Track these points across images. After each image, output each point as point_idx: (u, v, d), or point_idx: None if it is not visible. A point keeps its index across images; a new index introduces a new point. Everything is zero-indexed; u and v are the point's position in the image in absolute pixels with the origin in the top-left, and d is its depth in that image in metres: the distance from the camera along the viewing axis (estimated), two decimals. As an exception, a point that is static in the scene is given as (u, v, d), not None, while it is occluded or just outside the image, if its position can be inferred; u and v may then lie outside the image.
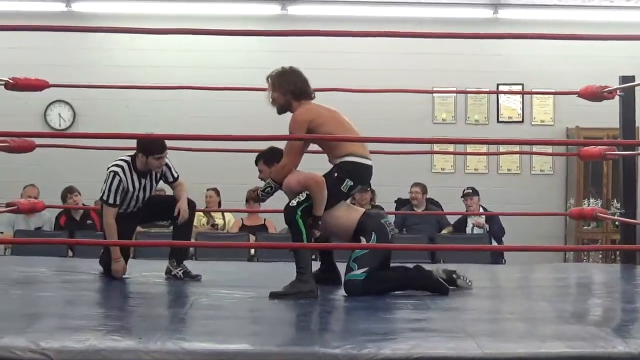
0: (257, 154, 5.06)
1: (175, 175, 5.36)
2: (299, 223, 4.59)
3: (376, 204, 8.74)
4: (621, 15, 9.94)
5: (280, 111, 4.92)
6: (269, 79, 4.90)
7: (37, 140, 5.74)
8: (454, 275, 4.85)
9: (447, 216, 8.93)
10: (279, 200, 4.99)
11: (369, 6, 9.96)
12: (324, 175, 4.71)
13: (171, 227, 5.58)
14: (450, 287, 4.75)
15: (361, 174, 4.81)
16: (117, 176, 5.12)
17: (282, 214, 4.75)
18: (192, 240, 6.88)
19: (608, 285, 5.56)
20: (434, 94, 10.02)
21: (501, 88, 10.08)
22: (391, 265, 4.91)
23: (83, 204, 8.62)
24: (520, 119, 10.25)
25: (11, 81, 5.27)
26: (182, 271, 5.24)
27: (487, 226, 8.65)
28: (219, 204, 9.14)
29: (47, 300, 4.52)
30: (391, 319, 4.07)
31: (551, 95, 10.02)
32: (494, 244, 8.40)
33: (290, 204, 4.64)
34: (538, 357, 3.19)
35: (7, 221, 8.49)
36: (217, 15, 9.77)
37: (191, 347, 3.22)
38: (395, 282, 4.74)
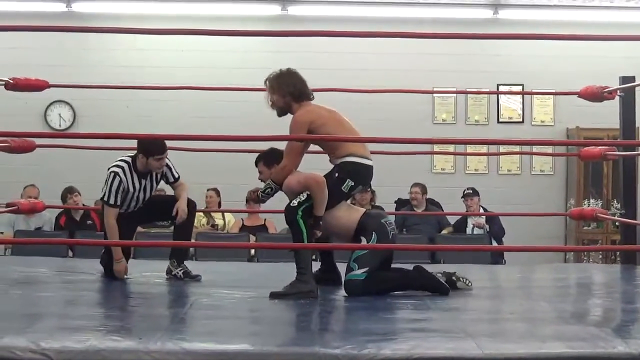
0: (257, 154, 5.06)
1: (176, 175, 5.36)
2: (299, 223, 4.59)
3: (376, 204, 8.74)
4: (621, 15, 9.94)
5: (281, 114, 4.92)
6: (267, 82, 4.89)
7: (37, 141, 5.74)
8: (454, 277, 4.85)
9: (447, 216, 8.93)
10: (279, 200, 5.00)
11: (369, 7, 9.97)
12: (324, 176, 4.70)
13: (171, 228, 5.58)
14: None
15: (362, 174, 4.81)
16: (118, 177, 5.13)
17: (282, 214, 4.75)
18: (192, 241, 6.88)
19: (608, 285, 5.56)
20: (434, 94, 10.02)
21: (501, 88, 10.08)
22: (391, 265, 4.91)
23: (83, 204, 8.62)
24: (521, 120, 10.26)
25: (11, 81, 5.27)
26: (182, 271, 5.24)
27: (487, 226, 8.65)
28: (219, 204, 9.14)
29: (47, 300, 4.52)
30: (391, 319, 4.07)
31: (551, 96, 10.02)
32: (494, 244, 8.40)
33: (291, 204, 4.64)
34: (538, 357, 3.19)
35: (8, 221, 8.49)
36: (218, 15, 9.77)
37: (191, 347, 3.22)
38: (396, 283, 4.74)
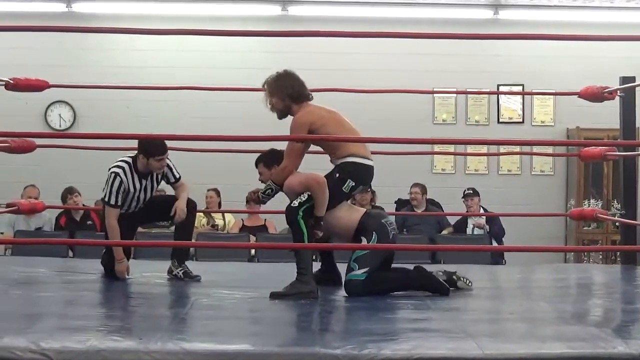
0: (257, 154, 5.05)
1: (177, 175, 5.36)
2: (300, 224, 4.58)
3: (376, 204, 8.74)
4: (621, 16, 9.95)
5: (281, 116, 4.91)
6: (266, 85, 4.89)
7: (38, 141, 5.73)
8: (454, 277, 4.85)
9: (447, 217, 8.93)
10: (279, 201, 4.99)
11: (369, 7, 9.97)
12: (325, 176, 4.70)
13: (172, 228, 5.58)
14: (451, 289, 4.74)
15: (363, 175, 4.81)
16: (118, 177, 5.13)
17: (283, 214, 4.75)
18: (193, 241, 6.88)
19: (608, 285, 5.56)
20: (435, 95, 10.02)
21: (501, 89, 10.08)
22: (392, 265, 4.91)
23: (83, 205, 8.62)
24: (521, 120, 10.26)
25: (12, 81, 5.27)
26: (182, 271, 5.24)
27: (487, 227, 8.65)
28: (219, 204, 9.14)
29: (48, 300, 4.51)
30: (392, 319, 4.07)
31: (551, 96, 10.02)
32: (494, 244, 8.40)
33: (291, 205, 4.63)
34: (538, 357, 3.18)
35: (8, 222, 8.50)
36: (218, 15, 9.78)
37: (192, 347, 3.22)
38: (396, 283, 4.75)
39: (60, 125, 10.11)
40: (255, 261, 7.66)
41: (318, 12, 9.95)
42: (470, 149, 9.73)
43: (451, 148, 9.47)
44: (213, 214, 9.05)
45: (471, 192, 8.82)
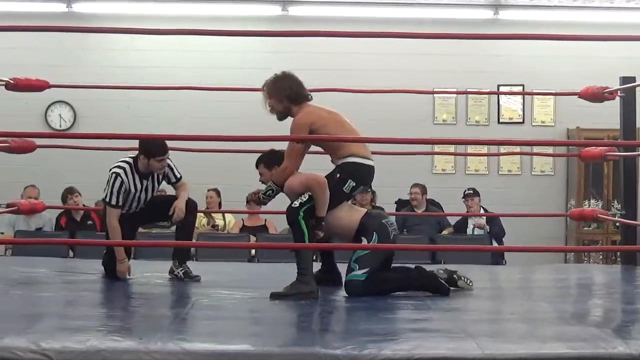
0: (257, 154, 5.05)
1: (178, 175, 5.37)
2: (301, 224, 4.58)
3: (377, 204, 8.74)
4: (621, 16, 9.95)
5: (281, 118, 4.90)
6: (265, 87, 4.89)
7: (38, 141, 5.73)
8: (455, 276, 4.85)
9: (447, 217, 8.93)
10: (279, 201, 4.99)
11: (369, 7, 9.97)
12: (326, 176, 4.70)
13: (172, 228, 5.58)
14: (451, 288, 4.75)
15: (363, 175, 4.81)
16: (119, 177, 5.13)
17: (283, 214, 4.74)
18: (193, 241, 6.88)
19: (608, 286, 5.56)
20: (435, 95, 10.03)
21: (502, 89, 10.08)
22: (392, 265, 4.91)
23: (83, 205, 8.62)
24: (521, 120, 10.26)
25: (12, 81, 5.27)
26: (182, 271, 5.24)
27: (487, 227, 8.65)
28: (220, 204, 9.14)
29: (48, 300, 4.51)
30: (392, 319, 4.07)
31: (552, 96, 10.02)
32: (495, 244, 8.40)
33: (292, 205, 4.63)
34: (538, 357, 3.18)
35: (8, 222, 8.50)
36: (218, 16, 9.78)
37: (192, 347, 3.22)
38: (396, 283, 4.75)
39: (60, 126, 10.12)
40: (256, 261, 7.66)
41: (318, 12, 9.96)
42: (470, 149, 9.74)
43: (451, 148, 9.46)
44: (213, 214, 9.05)
45: (471, 192, 8.82)
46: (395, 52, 9.78)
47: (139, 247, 7.29)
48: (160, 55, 9.96)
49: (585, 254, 9.69)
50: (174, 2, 9.92)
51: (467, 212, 8.71)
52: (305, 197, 4.63)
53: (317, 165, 4.91)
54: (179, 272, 5.23)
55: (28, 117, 9.72)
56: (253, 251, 7.86)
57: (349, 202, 5.02)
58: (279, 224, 8.80)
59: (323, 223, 4.68)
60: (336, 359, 3.14)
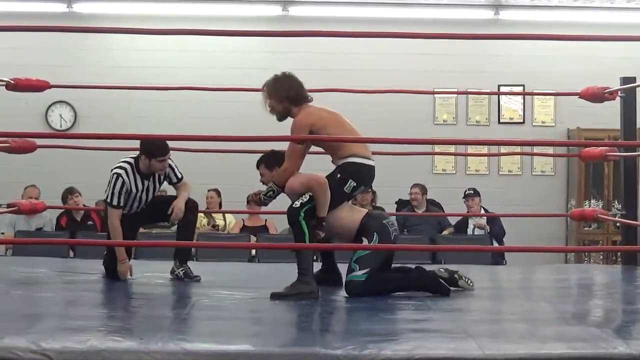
0: (258, 155, 5.05)
1: (179, 176, 5.37)
2: (302, 224, 4.58)
3: (377, 205, 8.74)
4: (622, 16, 9.95)
5: (281, 118, 4.90)
6: (265, 88, 4.89)
7: (38, 141, 5.73)
8: (456, 276, 4.85)
9: (448, 217, 8.93)
10: (280, 201, 4.99)
11: (369, 7, 9.97)
12: (326, 177, 4.70)
13: (172, 228, 5.58)
14: (452, 288, 4.75)
15: (364, 175, 4.81)
16: (121, 178, 5.14)
17: (283, 214, 4.74)
18: (194, 241, 6.87)
19: (609, 286, 5.56)
20: (435, 95, 10.03)
21: (502, 89, 10.08)
22: (392, 266, 4.91)
23: (84, 205, 8.63)
24: (521, 120, 10.26)
25: (12, 82, 5.26)
26: (183, 272, 5.24)
27: (488, 227, 8.65)
28: (220, 204, 9.14)
29: (48, 300, 4.52)
30: (392, 319, 4.07)
31: (552, 96, 10.02)
32: (495, 245, 8.40)
33: (293, 205, 4.63)
34: (539, 358, 3.19)
35: (8, 222, 8.51)
36: (218, 16, 9.78)
37: (192, 347, 3.22)
38: (397, 283, 4.75)
39: (60, 126, 10.12)
40: (256, 261, 7.66)
41: (318, 13, 9.96)
42: (470, 149, 9.74)
43: (452, 148, 9.47)
44: (214, 214, 9.05)
45: (472, 192, 8.82)
46: (395, 52, 9.78)
47: (140, 247, 7.29)
48: (161, 55, 9.96)
49: (586, 254, 9.69)
50: (174, 2, 9.92)
51: (468, 212, 8.71)
52: (306, 198, 4.62)
53: (317, 166, 4.91)
54: (179, 272, 5.23)
55: (28, 117, 9.72)
56: (253, 251, 7.86)
57: (350, 202, 5.02)
58: (279, 224, 8.81)
59: (324, 223, 4.68)
60: (336, 359, 3.14)
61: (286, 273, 4.72)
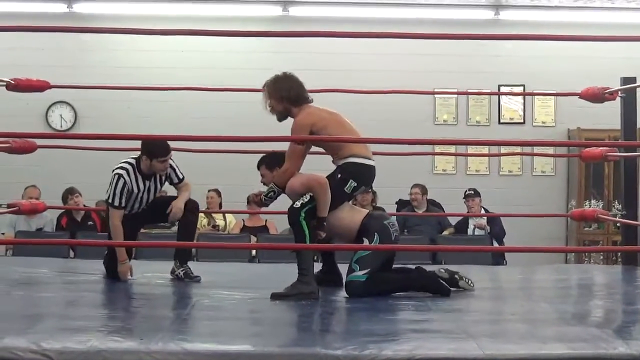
0: (258, 155, 5.05)
1: (181, 176, 5.36)
2: (302, 225, 4.58)
3: (377, 205, 8.74)
4: (622, 16, 9.95)
5: (281, 118, 4.90)
6: (265, 87, 4.89)
7: (38, 141, 5.73)
8: (456, 277, 4.85)
9: (448, 217, 8.93)
10: (280, 201, 4.99)
11: (370, 7, 9.97)
12: (327, 177, 4.70)
13: (173, 228, 5.57)
14: (452, 289, 4.75)
15: (364, 175, 4.81)
16: (122, 178, 5.14)
17: (283, 214, 4.74)
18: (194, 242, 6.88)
19: (609, 286, 5.56)
20: (435, 95, 10.03)
21: (502, 89, 10.08)
22: (393, 266, 4.91)
23: (84, 205, 8.63)
24: (522, 120, 10.26)
25: (12, 82, 5.26)
26: (183, 272, 5.24)
27: (488, 227, 8.65)
28: (220, 205, 9.14)
29: (49, 301, 4.52)
30: (392, 320, 4.07)
31: (552, 97, 10.02)
32: (495, 245, 8.39)
33: (294, 206, 4.63)
34: (539, 358, 3.19)
35: (9, 222, 8.50)
36: (219, 16, 9.78)
37: (193, 348, 3.23)
38: (397, 284, 4.75)
39: (61, 126, 10.12)
40: (256, 262, 7.66)
41: (318, 13, 9.96)
42: (471, 149, 9.74)
43: (452, 148, 9.48)
44: (214, 215, 9.05)
45: (472, 192, 8.82)
46: (395, 53, 9.78)
47: (140, 247, 7.29)
48: (161, 55, 9.96)
49: (586, 254, 9.69)
50: (174, 2, 9.92)
51: (468, 212, 8.71)
52: (306, 198, 4.62)
53: (318, 166, 4.91)
54: (179, 273, 5.23)
55: (29, 118, 9.73)
56: (254, 251, 7.86)
57: (350, 202, 5.02)
58: (279, 225, 8.81)
59: (325, 224, 4.68)
60: (337, 360, 3.15)
61: (286, 273, 4.72)
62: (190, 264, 5.39)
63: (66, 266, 6.03)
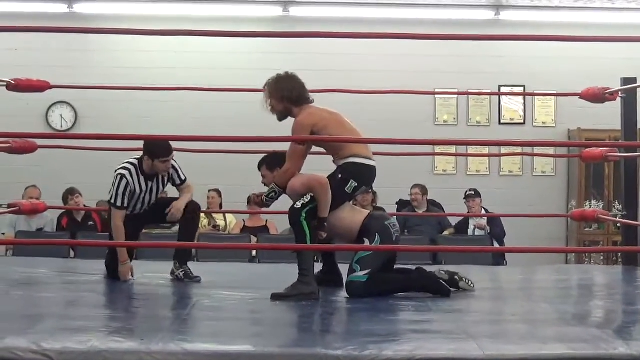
0: (259, 155, 5.05)
1: (183, 177, 5.36)
2: (303, 225, 4.58)
3: (377, 205, 8.74)
4: (622, 17, 9.94)
5: (281, 118, 4.90)
6: (266, 87, 4.89)
7: (39, 141, 5.73)
8: (456, 277, 4.85)
9: (448, 217, 8.93)
10: (280, 201, 4.99)
11: (370, 8, 9.97)
12: (327, 177, 4.70)
13: (173, 229, 5.57)
14: (452, 289, 4.75)
15: (365, 175, 4.81)
16: (125, 179, 5.14)
17: (283, 215, 4.74)
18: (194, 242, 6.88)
19: (609, 287, 5.56)
20: (436, 96, 10.02)
21: (503, 89, 10.08)
22: (393, 267, 4.91)
23: (84, 205, 8.63)
24: (522, 121, 10.26)
25: (13, 82, 5.26)
26: (182, 272, 5.24)
27: (488, 228, 8.65)
28: (221, 205, 9.14)
29: (49, 301, 4.52)
30: (393, 320, 4.07)
31: (553, 97, 10.01)
32: (496, 245, 8.39)
33: (295, 206, 4.63)
34: (539, 358, 3.19)
35: (9, 222, 8.50)
36: (219, 16, 9.78)
37: (193, 348, 3.23)
38: (397, 284, 4.75)
39: (61, 126, 10.12)
40: (257, 262, 7.65)
41: (319, 13, 9.97)
42: (471, 149, 9.74)
43: (452, 149, 9.48)
44: (214, 215, 9.05)
45: (473, 193, 8.83)
46: (396, 53, 9.78)
47: (141, 247, 7.29)
48: (162, 56, 9.96)
49: (586, 254, 9.70)
50: (175, 2, 9.92)
51: (468, 212, 8.71)
52: (307, 198, 4.62)
53: (318, 166, 4.91)
54: (179, 274, 5.23)
55: (29, 118, 9.72)
56: (254, 252, 7.86)
57: (350, 203, 5.02)
58: (279, 225, 8.81)
59: (326, 224, 4.68)
60: (337, 360, 3.15)
61: (287, 274, 4.72)
62: (191, 264, 5.39)
63: (66, 266, 6.04)
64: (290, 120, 4.83)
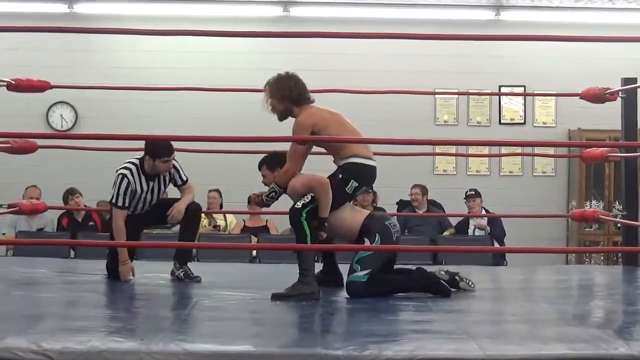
0: (259, 155, 5.05)
1: (184, 178, 5.36)
2: (303, 225, 4.58)
3: (378, 205, 8.74)
4: (623, 17, 9.94)
5: (282, 118, 4.90)
6: (267, 87, 4.89)
7: (39, 142, 5.73)
8: (457, 278, 4.85)
9: (449, 218, 8.93)
10: (281, 201, 4.99)
11: (370, 8, 9.97)
12: (328, 177, 4.70)
13: (173, 229, 5.56)
14: (453, 289, 4.75)
15: (365, 175, 4.81)
16: (126, 178, 5.14)
17: (283, 215, 4.74)
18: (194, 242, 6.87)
19: (610, 287, 5.56)
20: (436, 96, 10.02)
21: (503, 90, 10.08)
22: (393, 267, 4.91)
23: (85, 205, 8.63)
24: (522, 121, 10.26)
25: (13, 82, 5.26)
26: (183, 273, 5.24)
27: (488, 228, 8.65)
28: (221, 205, 9.14)
29: (49, 301, 4.52)
30: (393, 320, 4.07)
31: (553, 97, 10.01)
32: (496, 245, 8.39)
33: (295, 206, 4.63)
34: (540, 358, 3.19)
35: (9, 222, 8.51)
36: (220, 17, 9.78)
37: (193, 348, 3.23)
38: (398, 284, 4.75)
39: (61, 126, 10.12)
40: (257, 262, 7.65)
41: (319, 13, 9.97)
42: (471, 150, 9.74)
43: (452, 149, 9.48)
44: (215, 215, 9.05)
45: (473, 193, 8.83)
46: (396, 53, 9.78)
47: (141, 247, 7.28)
48: (162, 56, 9.96)
49: (587, 255, 9.70)
50: (175, 2, 9.92)
51: (469, 213, 8.71)
52: (308, 198, 4.62)
53: (319, 166, 4.91)
54: (179, 274, 5.23)
55: (29, 118, 9.72)
56: (254, 252, 7.86)
57: (351, 203, 5.02)
58: (280, 225, 8.80)
59: (326, 224, 4.68)
60: (337, 360, 3.15)
61: (287, 274, 4.72)
62: (191, 264, 5.39)
63: (67, 266, 6.04)
64: (290, 120, 4.83)
